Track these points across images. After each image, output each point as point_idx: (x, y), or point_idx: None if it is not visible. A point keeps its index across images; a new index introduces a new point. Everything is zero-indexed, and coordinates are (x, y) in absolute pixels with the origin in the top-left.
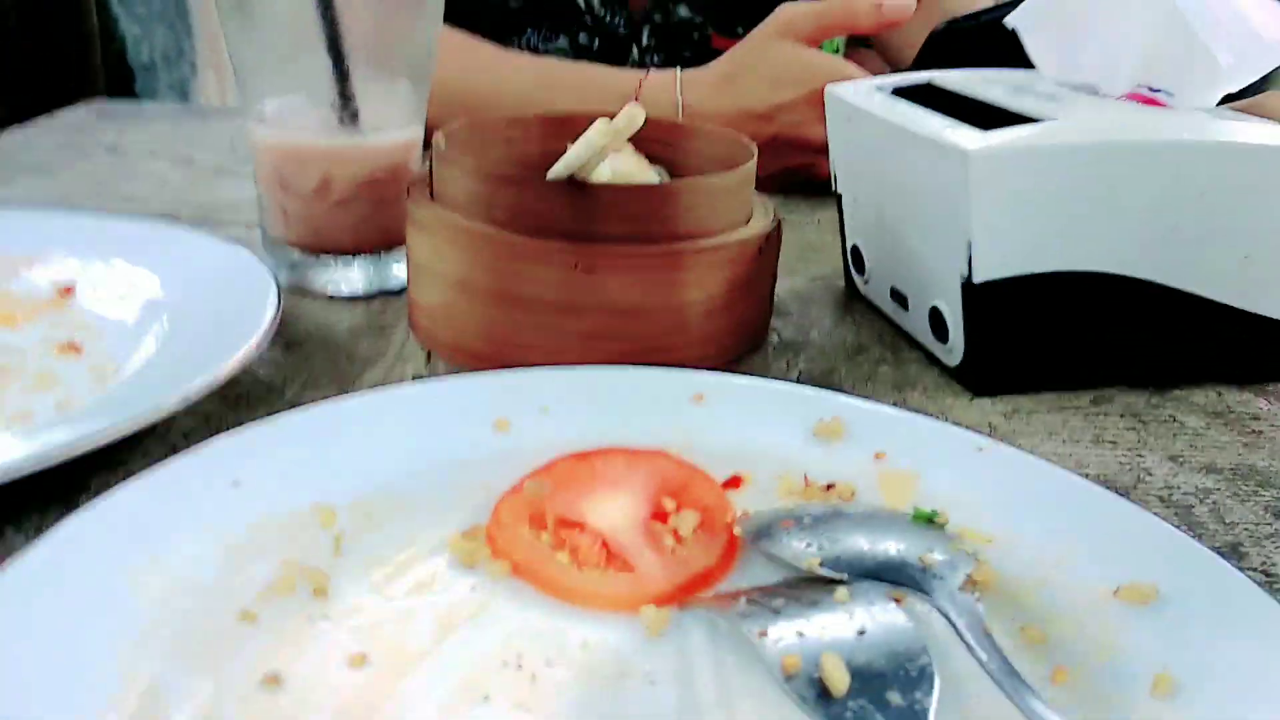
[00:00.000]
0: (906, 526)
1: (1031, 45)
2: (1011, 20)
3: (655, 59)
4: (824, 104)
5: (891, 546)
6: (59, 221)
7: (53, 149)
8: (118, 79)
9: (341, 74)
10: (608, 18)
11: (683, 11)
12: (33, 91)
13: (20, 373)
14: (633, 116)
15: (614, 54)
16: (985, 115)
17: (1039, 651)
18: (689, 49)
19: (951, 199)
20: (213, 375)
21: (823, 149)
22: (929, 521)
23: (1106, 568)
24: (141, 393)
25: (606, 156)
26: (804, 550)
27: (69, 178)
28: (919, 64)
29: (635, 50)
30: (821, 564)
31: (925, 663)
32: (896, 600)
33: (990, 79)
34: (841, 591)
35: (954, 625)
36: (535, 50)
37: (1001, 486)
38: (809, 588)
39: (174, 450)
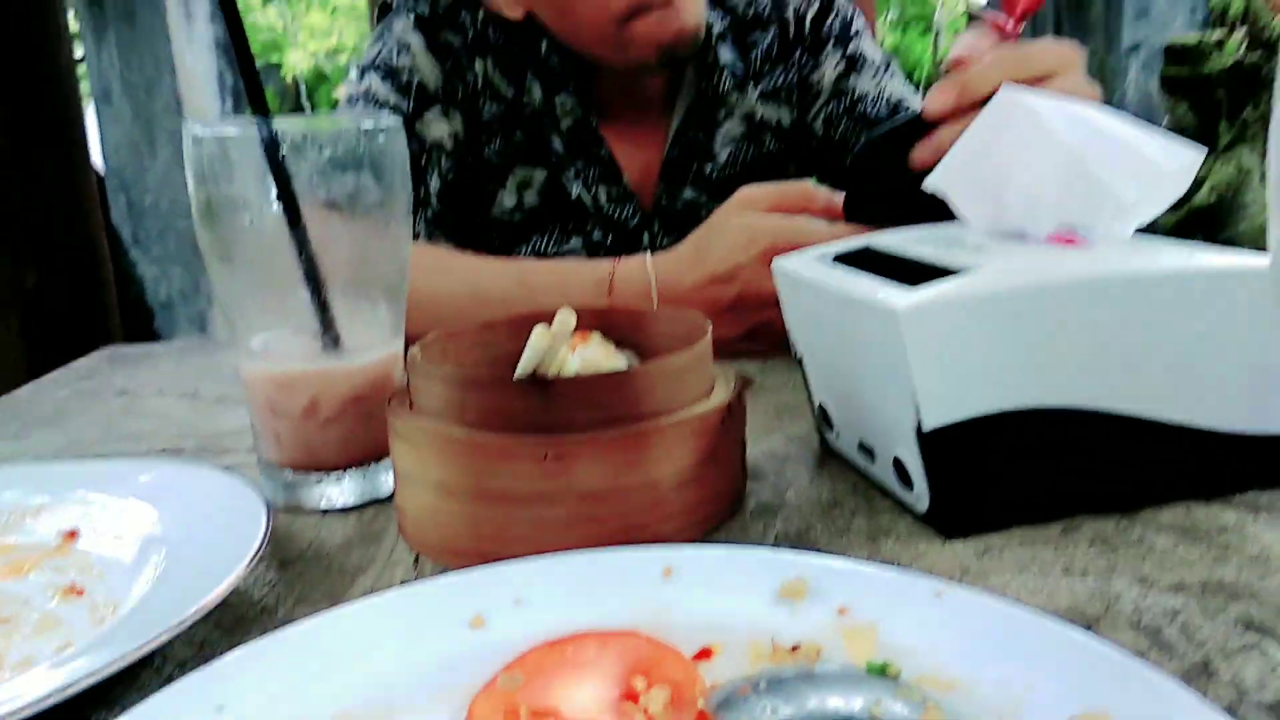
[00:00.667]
0: (859, 680)
1: (956, 200)
2: (931, 184)
3: (666, 242)
4: (771, 258)
5: (840, 701)
6: (65, 469)
7: (66, 398)
8: (137, 319)
9: (321, 304)
10: (617, 214)
11: (688, 194)
12: (53, 342)
13: (24, 621)
14: (565, 320)
15: (627, 245)
16: (917, 272)
17: None
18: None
19: (891, 354)
20: (197, 607)
21: None
22: (881, 672)
23: (1064, 703)
24: (136, 628)
25: (557, 354)
26: (761, 715)
27: (80, 424)
28: (847, 185)
29: (647, 237)
30: None
31: None
32: None
33: (923, 237)
34: None
35: None
36: (544, 255)
37: (960, 630)
38: None
39: (170, 681)
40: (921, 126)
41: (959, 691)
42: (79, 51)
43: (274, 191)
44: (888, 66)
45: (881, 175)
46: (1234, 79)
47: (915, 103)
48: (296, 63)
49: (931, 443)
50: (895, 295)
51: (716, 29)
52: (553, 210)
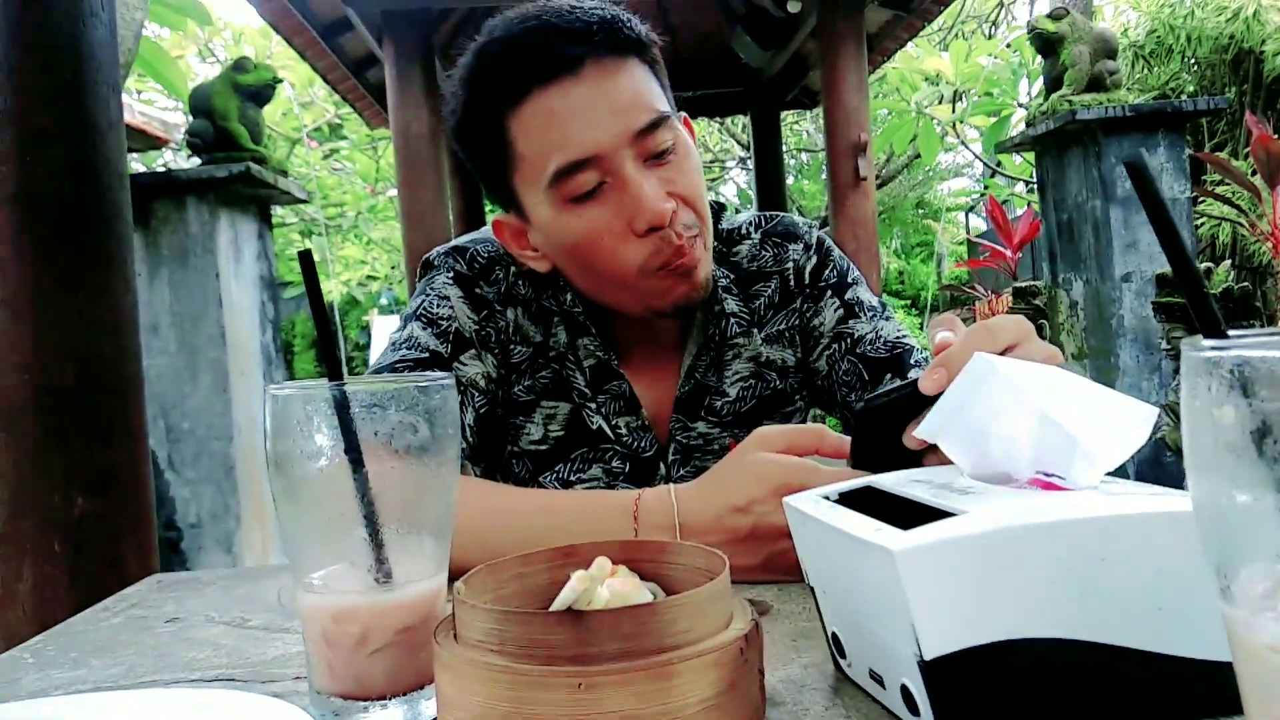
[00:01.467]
0: None
1: (946, 447)
2: (921, 433)
3: (680, 471)
4: (784, 494)
5: None
6: (118, 704)
7: (120, 626)
8: (165, 540)
9: (377, 542)
10: (635, 444)
11: (701, 427)
12: (93, 564)
13: None
14: (601, 565)
15: (643, 473)
16: (913, 513)
17: None
18: (710, 458)
19: (890, 590)
20: None
21: None
22: None
23: None
24: None
25: (591, 596)
26: None
27: (134, 653)
28: (853, 439)
29: (662, 466)
30: None
31: None
32: None
33: (918, 479)
34: None
35: None
36: (568, 484)
37: None
38: None
39: None
40: (918, 397)
41: None
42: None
43: (343, 444)
44: (883, 309)
45: (882, 434)
46: (1225, 305)
47: (910, 341)
48: (331, 290)
49: (933, 671)
50: (892, 537)
51: (722, 282)
52: (575, 440)
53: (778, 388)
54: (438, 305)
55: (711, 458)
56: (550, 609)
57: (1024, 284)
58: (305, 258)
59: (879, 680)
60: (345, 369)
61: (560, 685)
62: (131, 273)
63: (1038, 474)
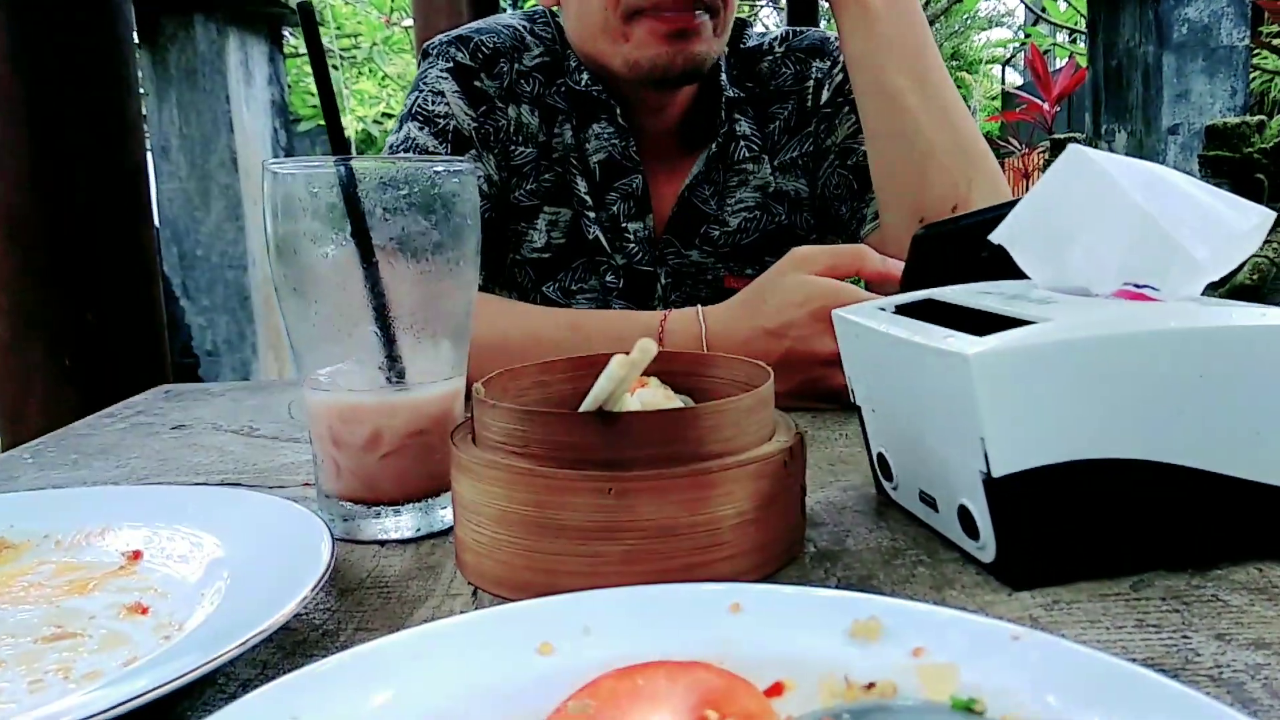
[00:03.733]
0: (947, 715)
1: (1020, 257)
2: (996, 237)
3: (674, 297)
4: (828, 320)
5: None
6: (124, 495)
7: (123, 432)
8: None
9: (389, 340)
10: (637, 254)
11: (695, 255)
12: (106, 381)
13: (90, 636)
14: (646, 349)
15: (638, 292)
16: (984, 323)
17: None
18: (704, 288)
19: (960, 402)
20: (262, 626)
21: (831, 361)
22: (967, 709)
23: None
24: (202, 646)
25: (629, 387)
26: None
27: (136, 457)
28: (908, 265)
29: (658, 289)
30: None
31: None
32: None
33: (985, 291)
34: None
35: None
36: (569, 292)
37: (1042, 673)
38: None
39: (233, 699)
40: (989, 227)
41: None
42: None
43: (349, 228)
44: None
45: (941, 263)
46: (1274, 161)
47: None
48: (346, 126)
49: (999, 491)
50: (965, 343)
51: (731, 95)
52: (575, 249)
53: (783, 223)
54: (433, 102)
55: (705, 289)
56: (580, 408)
57: (1062, 137)
58: (304, 10)
59: (930, 503)
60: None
61: (589, 490)
62: (134, 80)
63: (1126, 285)
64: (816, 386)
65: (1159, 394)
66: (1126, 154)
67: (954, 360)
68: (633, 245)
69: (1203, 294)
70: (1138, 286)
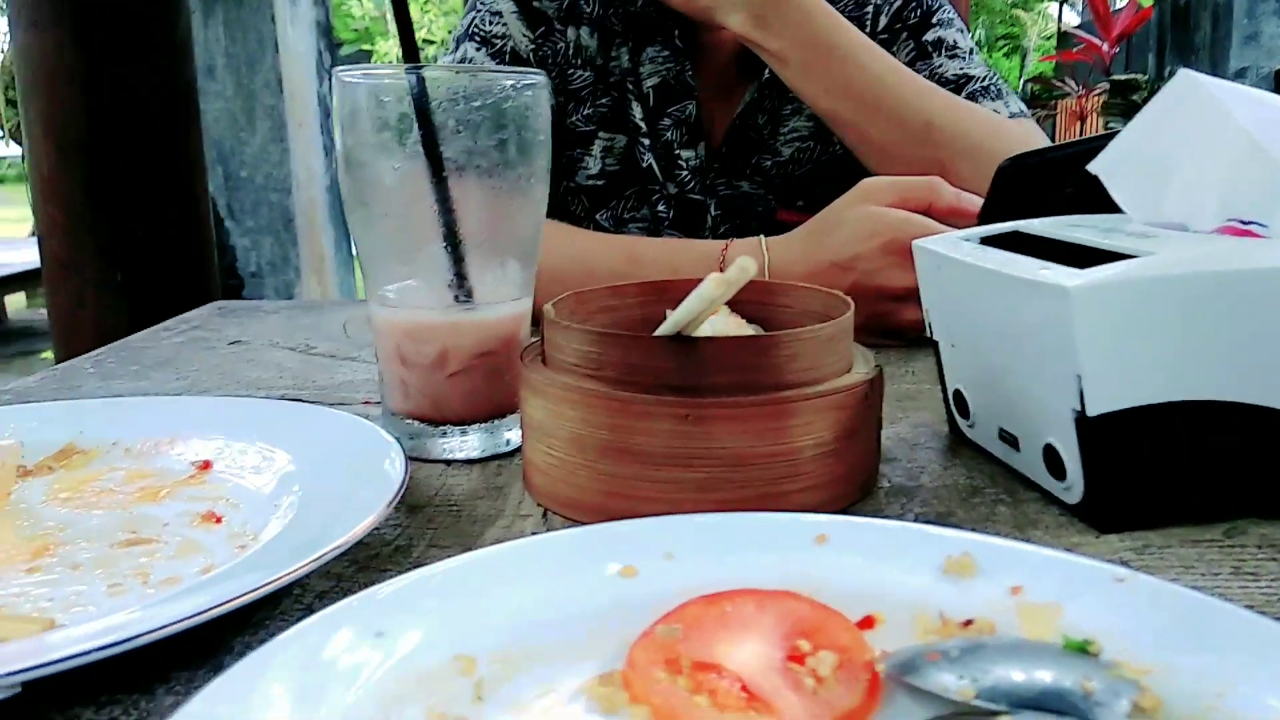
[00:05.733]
0: (1059, 655)
1: (1116, 190)
2: (1094, 167)
3: (724, 229)
4: (899, 254)
5: (1047, 675)
6: (192, 406)
7: (181, 345)
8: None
9: (457, 258)
10: (689, 183)
11: (746, 186)
12: (156, 296)
13: (166, 543)
14: (745, 268)
15: (689, 224)
16: (1079, 256)
17: None
18: (755, 220)
19: (1056, 337)
20: (343, 539)
21: (900, 296)
22: (1082, 650)
23: (1275, 695)
24: (278, 557)
25: (717, 309)
26: (955, 682)
27: (196, 369)
28: (988, 199)
29: (708, 219)
30: (977, 695)
31: None
32: None
33: (1076, 223)
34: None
35: None
36: (621, 220)
37: (1149, 617)
38: (967, 717)
39: (309, 611)
40: (1081, 160)
41: (1154, 678)
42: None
43: (419, 141)
44: (971, 53)
45: (1026, 197)
46: None
47: (983, 76)
48: (388, 51)
49: (1093, 430)
50: (1065, 274)
51: None
52: (628, 177)
53: (838, 154)
54: (490, 21)
55: (756, 221)
56: (660, 330)
57: (1123, 78)
58: None
59: (1011, 441)
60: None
61: (666, 415)
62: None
63: (1230, 221)
64: (883, 322)
65: (1265, 335)
66: None
67: (1051, 293)
68: (684, 173)
69: None
70: (1243, 223)
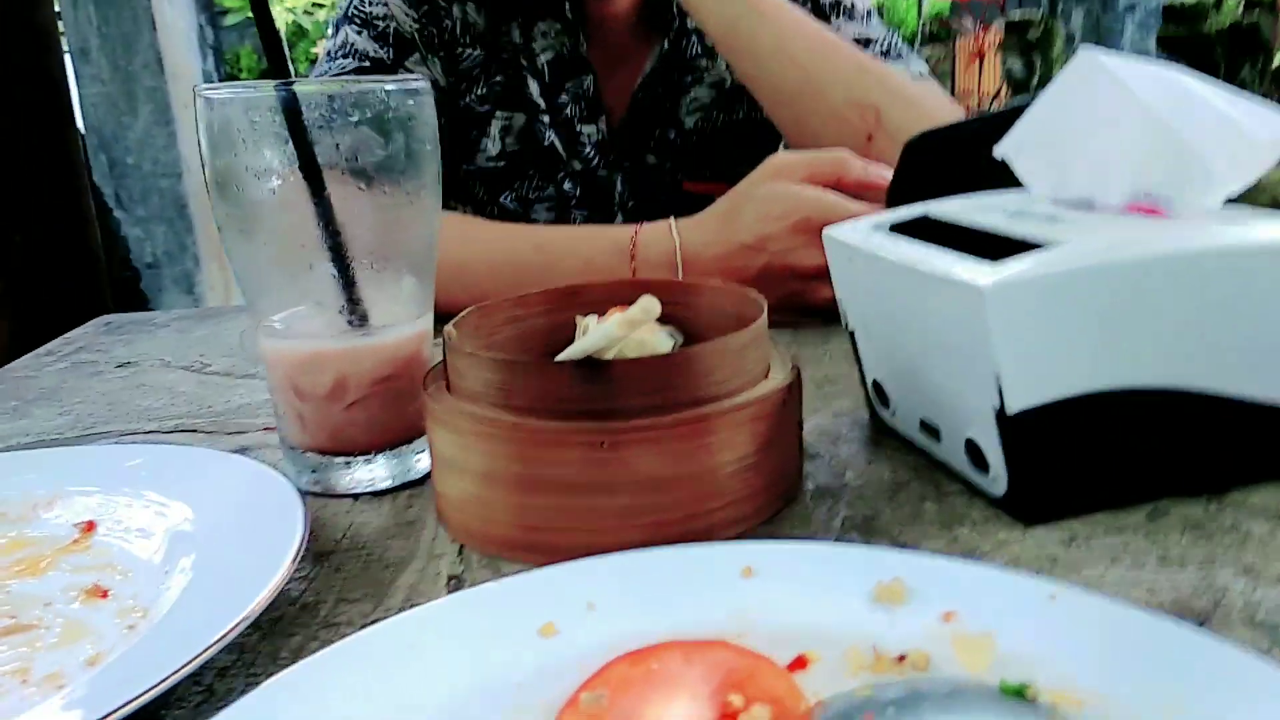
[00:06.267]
0: (996, 704)
1: (1022, 169)
2: (1000, 150)
3: (632, 204)
4: (809, 232)
5: None
6: (75, 454)
7: (65, 372)
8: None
9: (347, 279)
10: (593, 159)
11: (651, 159)
12: (42, 306)
13: (48, 627)
14: (648, 308)
15: (598, 200)
16: (989, 244)
17: None
18: (663, 193)
19: (972, 334)
20: (244, 613)
21: (813, 275)
22: (1019, 695)
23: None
24: (173, 639)
25: (620, 343)
26: None
27: (81, 402)
28: (896, 175)
29: (616, 195)
30: None
31: None
32: None
33: (985, 205)
34: None
35: None
36: (526, 201)
37: (1082, 637)
38: None
39: (210, 693)
40: (995, 130)
41: (1094, 708)
42: (56, 5)
43: (295, 159)
44: (869, 17)
45: (935, 172)
46: (1232, 39)
47: (880, 37)
48: (276, 17)
49: (1014, 426)
50: (978, 271)
51: None
52: (530, 156)
53: (744, 117)
54: (370, 3)
55: (664, 195)
56: (561, 356)
57: (1018, 18)
58: None
59: (933, 433)
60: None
61: (581, 444)
62: None
63: (1136, 198)
64: (797, 301)
65: (1180, 318)
66: (1082, 34)
67: (966, 291)
68: (587, 149)
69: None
70: (1150, 198)
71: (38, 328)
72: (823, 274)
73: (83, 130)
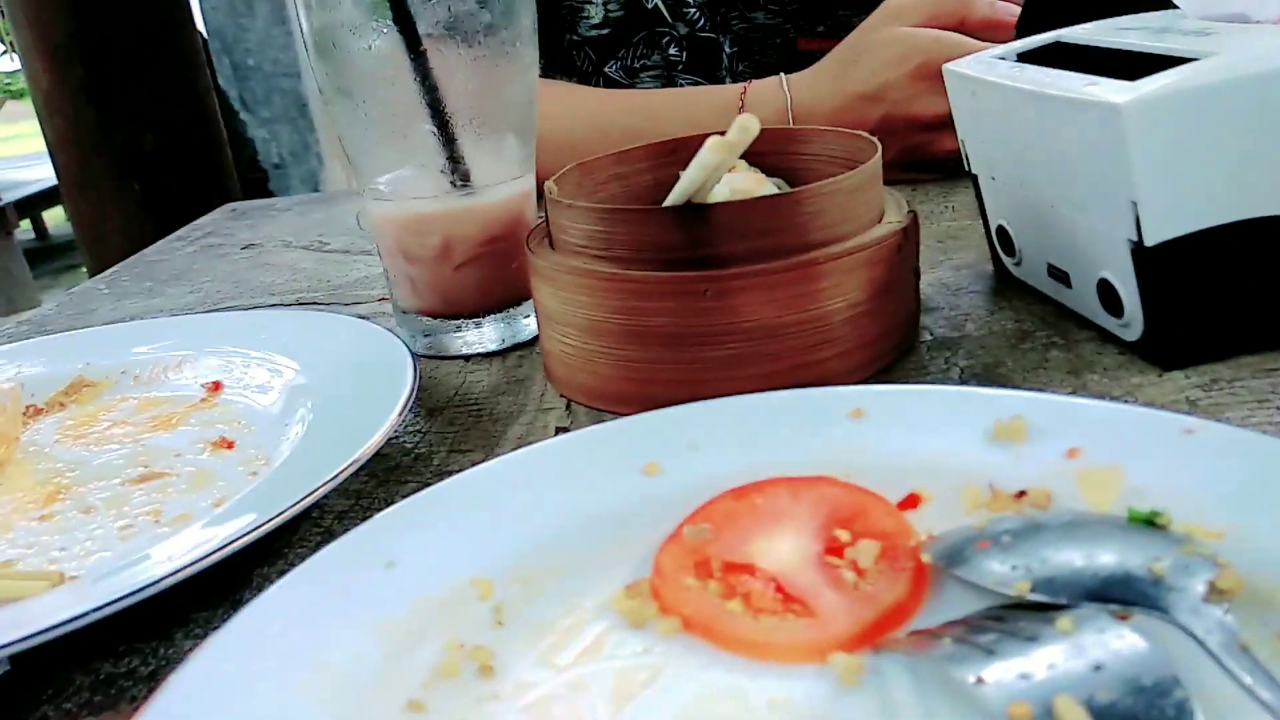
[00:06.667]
0: (1123, 532)
1: None
2: None
3: (741, 67)
4: (931, 78)
5: (1111, 559)
6: (202, 321)
7: (194, 254)
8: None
9: (448, 139)
10: (696, 21)
11: (760, 18)
12: (175, 203)
13: (177, 475)
14: (746, 127)
15: (704, 65)
16: (1129, 64)
17: None
18: (774, 54)
19: (1108, 160)
20: (355, 456)
21: (935, 125)
22: (1148, 523)
23: None
24: (291, 482)
25: (722, 175)
26: (1009, 574)
27: (209, 280)
28: (1026, 6)
29: (724, 58)
30: (1033, 588)
31: (1181, 697)
32: (1122, 618)
33: (1124, 26)
34: (1064, 620)
35: (1204, 646)
36: (632, 70)
37: (1221, 472)
38: (1021, 616)
39: (329, 534)
40: None
41: (1230, 541)
42: None
43: (390, 14)
44: None
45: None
46: None
47: None
48: None
49: (1151, 260)
50: (1114, 89)
51: None
52: (634, 22)
53: None
54: None
55: (776, 55)
56: (666, 201)
57: None
58: None
59: (1062, 278)
60: None
61: (684, 292)
62: None
63: None
64: (918, 154)
65: None
66: None
67: (1099, 111)
68: (692, 10)
69: None
70: None
71: (178, 220)
72: (946, 123)
73: (204, 34)
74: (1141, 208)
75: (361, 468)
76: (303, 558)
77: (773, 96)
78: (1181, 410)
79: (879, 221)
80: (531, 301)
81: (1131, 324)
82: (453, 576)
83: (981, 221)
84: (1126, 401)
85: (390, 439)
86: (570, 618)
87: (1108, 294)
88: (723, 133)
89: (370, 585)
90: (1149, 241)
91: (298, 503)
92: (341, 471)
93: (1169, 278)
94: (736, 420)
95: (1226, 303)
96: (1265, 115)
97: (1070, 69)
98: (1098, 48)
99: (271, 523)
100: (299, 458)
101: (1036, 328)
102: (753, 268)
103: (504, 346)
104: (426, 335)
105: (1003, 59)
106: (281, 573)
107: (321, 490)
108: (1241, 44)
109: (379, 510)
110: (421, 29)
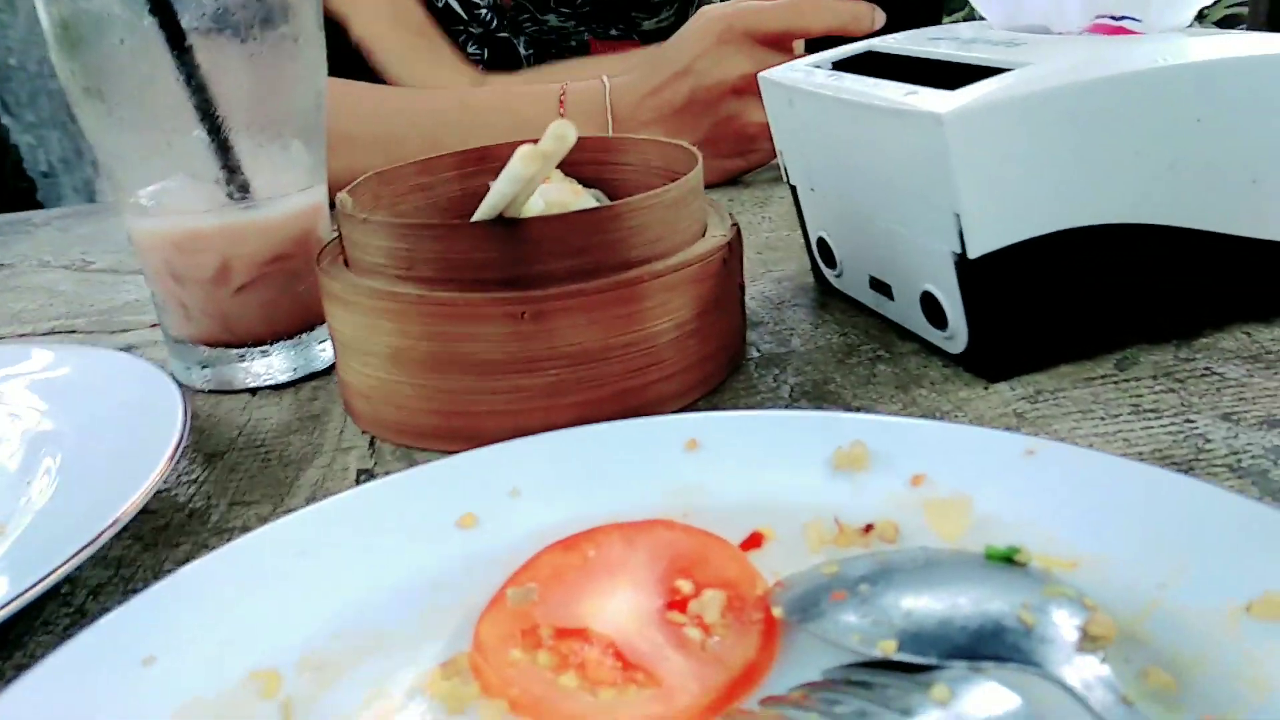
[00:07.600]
0: (983, 572)
1: None
2: None
3: (539, 66)
4: (734, 40)
5: (976, 608)
6: None
7: None
8: (19, 193)
9: (222, 145)
10: (490, 21)
11: (553, 20)
12: None
13: None
14: (562, 136)
15: (505, 64)
16: (945, 74)
17: (1173, 702)
18: (571, 56)
19: (929, 171)
20: (115, 517)
21: (743, 90)
22: (1008, 561)
23: (1225, 578)
24: (34, 553)
25: (536, 187)
26: (871, 630)
27: None
28: None
29: (522, 60)
30: (899, 647)
31: None
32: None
33: (934, 36)
34: (939, 687)
35: (1086, 705)
36: None
37: (1065, 497)
38: (888, 678)
39: (82, 614)
40: None
41: (1083, 570)
42: None
43: (147, 3)
44: None
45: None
46: None
47: None
48: None
49: (975, 272)
50: (935, 99)
51: None
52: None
53: None
54: None
55: (571, 57)
56: (475, 216)
57: None
58: None
59: (884, 290)
60: None
61: (498, 315)
62: None
63: (1100, 19)
64: (731, 128)
65: (1154, 144)
66: None
67: (922, 122)
68: (484, 11)
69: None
70: (1114, 19)
71: None
72: (754, 90)
73: None
74: (965, 220)
75: (122, 530)
76: (48, 648)
77: (592, 91)
78: (1011, 422)
79: (702, 235)
80: (325, 326)
81: (955, 336)
82: (229, 671)
83: (801, 232)
84: (959, 419)
85: (158, 492)
86: (375, 706)
87: (931, 306)
88: (536, 140)
89: (125, 686)
90: (972, 254)
91: (42, 580)
92: (97, 538)
93: (992, 290)
94: (561, 458)
95: (1047, 313)
96: (1082, 125)
97: (887, 78)
98: (912, 57)
99: (9, 607)
100: (43, 522)
101: (862, 341)
102: (573, 287)
103: (296, 377)
104: (205, 367)
105: (818, 67)
106: (20, 669)
107: (72, 562)
108: (1055, 54)
109: (142, 581)
110: (186, 22)
